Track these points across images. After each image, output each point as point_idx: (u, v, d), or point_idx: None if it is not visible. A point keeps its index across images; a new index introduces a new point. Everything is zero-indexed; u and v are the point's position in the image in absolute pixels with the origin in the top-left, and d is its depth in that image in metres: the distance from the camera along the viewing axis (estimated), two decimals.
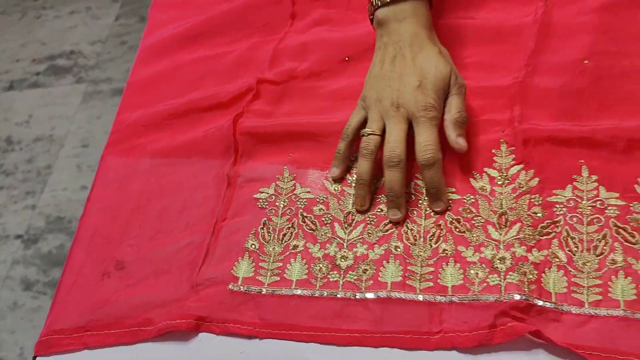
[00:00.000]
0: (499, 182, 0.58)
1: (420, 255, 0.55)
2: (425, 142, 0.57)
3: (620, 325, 0.48)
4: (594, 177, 0.56)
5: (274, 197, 0.62)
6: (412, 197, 0.59)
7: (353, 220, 0.59)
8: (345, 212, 0.60)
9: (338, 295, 0.55)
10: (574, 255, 0.53)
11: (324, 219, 0.60)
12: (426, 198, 0.58)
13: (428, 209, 0.58)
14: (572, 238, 0.53)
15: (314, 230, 0.59)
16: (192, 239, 0.61)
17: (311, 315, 0.54)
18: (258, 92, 0.71)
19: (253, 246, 0.59)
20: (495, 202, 0.57)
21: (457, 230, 0.56)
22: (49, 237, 1.64)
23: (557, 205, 0.55)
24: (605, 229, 0.53)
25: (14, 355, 1.45)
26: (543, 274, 0.52)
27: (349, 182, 0.61)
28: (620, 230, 0.53)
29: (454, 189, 0.59)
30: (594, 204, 0.55)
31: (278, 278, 0.57)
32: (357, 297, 0.54)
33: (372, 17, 0.66)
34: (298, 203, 0.61)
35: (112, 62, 2.01)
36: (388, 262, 0.56)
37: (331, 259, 0.57)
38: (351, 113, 0.64)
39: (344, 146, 0.61)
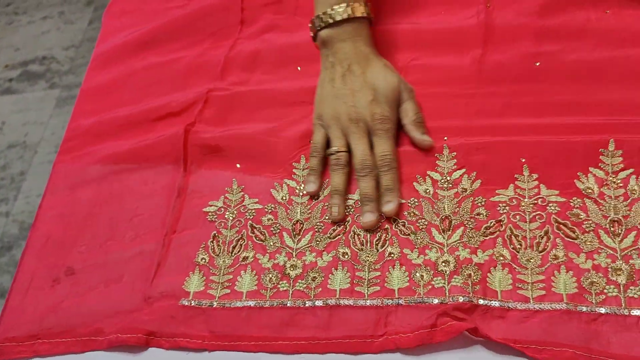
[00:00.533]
0: (442, 186, 0.57)
1: (368, 260, 0.55)
2: (383, 152, 0.59)
3: (563, 318, 0.48)
4: (535, 176, 0.56)
5: (223, 209, 0.62)
6: (358, 202, 0.58)
7: (301, 228, 0.58)
8: (293, 221, 0.59)
9: (287, 304, 0.54)
10: (518, 252, 0.52)
11: (272, 229, 0.59)
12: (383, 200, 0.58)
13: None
14: (516, 236, 0.53)
15: (263, 241, 0.58)
16: (142, 248, 0.61)
17: (261, 326, 0.53)
18: (209, 100, 0.71)
19: (203, 260, 0.58)
20: (439, 205, 0.56)
21: (402, 233, 0.56)
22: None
23: (500, 205, 0.55)
24: (547, 226, 0.53)
25: None
26: (489, 274, 0.52)
27: (297, 191, 0.61)
28: (561, 226, 0.53)
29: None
30: (536, 202, 0.54)
31: (229, 291, 0.56)
32: (306, 305, 0.53)
33: (314, 35, 0.66)
34: (247, 214, 0.61)
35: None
36: (336, 269, 0.55)
37: (281, 269, 0.56)
38: (300, 120, 0.65)
39: (317, 162, 0.61)
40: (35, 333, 0.58)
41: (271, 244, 0.58)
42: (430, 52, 0.67)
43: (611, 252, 0.51)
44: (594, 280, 0.50)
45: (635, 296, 0.48)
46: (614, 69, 0.60)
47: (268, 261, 0.57)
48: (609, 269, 0.50)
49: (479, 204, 0.55)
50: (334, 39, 0.64)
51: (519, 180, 0.56)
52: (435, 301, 0.51)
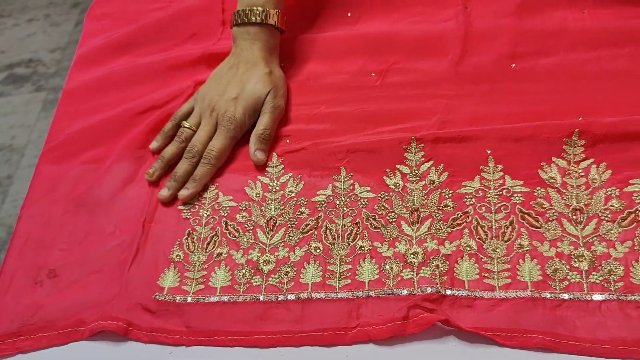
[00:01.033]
0: (411, 179, 0.58)
1: (339, 254, 0.55)
2: (212, 147, 0.63)
3: (528, 305, 0.49)
4: (500, 167, 0.56)
5: (197, 206, 0.61)
6: (331, 198, 0.58)
7: (275, 224, 0.58)
8: (267, 217, 0.59)
9: (260, 299, 0.54)
10: (484, 242, 0.53)
11: (246, 226, 0.59)
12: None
13: (346, 208, 0.58)
14: (482, 226, 0.54)
15: (237, 237, 0.58)
16: (122, 239, 0.60)
17: (235, 320, 0.53)
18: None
19: (178, 257, 0.58)
20: (408, 198, 0.57)
21: (373, 226, 0.56)
22: None
23: (467, 196, 0.55)
24: (512, 216, 0.54)
25: None
26: (456, 264, 0.52)
27: (270, 187, 0.61)
28: (525, 215, 0.53)
29: (369, 188, 0.58)
30: (501, 193, 0.55)
31: (203, 286, 0.56)
32: (279, 299, 0.53)
33: (231, 27, 0.69)
34: (221, 211, 0.60)
35: None
36: (308, 263, 0.55)
37: (254, 264, 0.56)
38: (285, 117, 0.66)
39: (171, 127, 0.67)
40: (16, 330, 0.56)
41: (245, 240, 0.58)
42: (410, 56, 0.68)
43: (574, 239, 0.51)
44: (558, 267, 0.50)
45: (597, 281, 0.49)
46: (587, 69, 0.61)
47: (242, 257, 0.57)
48: (572, 256, 0.50)
49: (446, 196, 0.56)
50: (238, 36, 0.68)
51: (485, 172, 0.56)
52: (405, 292, 0.51)
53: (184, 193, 0.62)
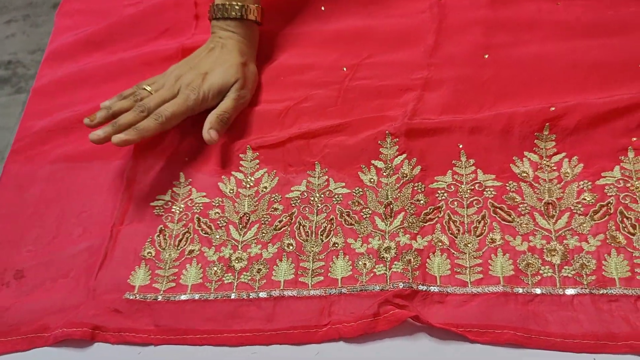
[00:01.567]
0: (385, 173, 0.56)
1: (312, 250, 0.53)
2: (167, 106, 0.60)
3: (500, 300, 0.47)
4: (472, 161, 0.55)
5: (170, 203, 0.59)
6: (305, 194, 0.57)
7: (248, 221, 0.56)
8: (240, 214, 0.57)
9: (232, 297, 0.52)
10: (456, 237, 0.51)
11: (219, 222, 0.57)
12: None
13: (320, 204, 0.56)
14: (454, 221, 0.52)
15: (209, 234, 0.56)
16: (90, 242, 0.58)
17: (205, 319, 0.51)
18: None
19: (149, 254, 0.56)
20: (382, 193, 0.55)
21: (347, 223, 0.54)
22: None
23: (439, 191, 0.54)
24: (484, 210, 0.52)
25: None
26: (428, 259, 0.50)
27: (244, 183, 0.59)
28: (497, 210, 0.52)
29: (343, 184, 0.57)
30: (473, 187, 0.53)
31: (174, 284, 0.54)
32: (250, 297, 0.52)
33: (209, 19, 0.68)
34: (194, 208, 0.58)
35: None
36: (281, 260, 0.53)
37: (226, 262, 0.54)
38: (245, 111, 0.64)
39: (130, 92, 0.63)
40: None
41: (217, 237, 0.56)
42: (383, 49, 0.66)
43: (546, 233, 0.50)
44: (530, 261, 0.49)
45: (569, 275, 0.47)
46: (560, 60, 0.59)
47: (214, 254, 0.55)
48: (544, 250, 0.49)
49: (419, 190, 0.54)
50: (218, 29, 0.67)
51: (457, 166, 0.55)
52: (377, 288, 0.49)
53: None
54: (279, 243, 0.54)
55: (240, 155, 0.61)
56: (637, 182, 0.50)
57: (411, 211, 0.53)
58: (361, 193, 0.56)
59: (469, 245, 0.51)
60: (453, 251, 0.51)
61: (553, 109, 0.55)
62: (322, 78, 0.65)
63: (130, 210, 0.60)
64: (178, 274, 0.54)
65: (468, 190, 0.53)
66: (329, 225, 0.54)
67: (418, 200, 0.54)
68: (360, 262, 0.52)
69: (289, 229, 0.55)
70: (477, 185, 0.53)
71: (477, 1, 0.66)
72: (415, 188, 0.54)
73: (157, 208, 0.59)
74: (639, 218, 0.49)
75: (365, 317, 0.48)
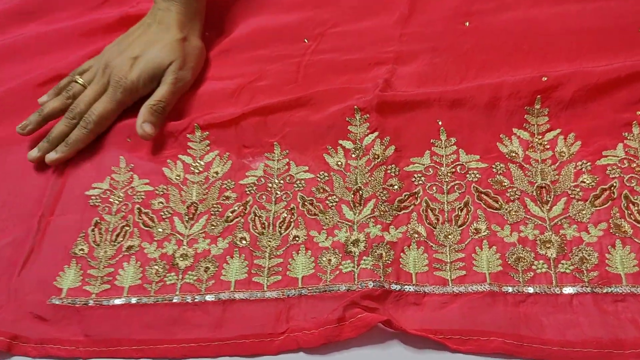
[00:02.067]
0: (354, 155, 0.48)
1: (269, 245, 0.45)
2: (92, 110, 0.54)
3: (486, 301, 0.40)
4: (453, 140, 0.47)
5: (108, 192, 0.51)
6: (262, 180, 0.49)
7: (195, 212, 0.48)
8: (187, 203, 0.49)
9: (174, 300, 0.44)
10: (435, 228, 0.44)
11: (162, 214, 0.49)
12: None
13: (280, 191, 0.48)
14: (432, 209, 0.44)
15: (151, 227, 0.48)
16: (14, 235, 0.50)
17: (143, 326, 0.43)
18: None
19: (82, 251, 0.48)
20: (350, 177, 0.47)
21: (310, 213, 0.46)
22: None
23: (416, 175, 0.46)
24: (467, 196, 0.45)
25: None
26: (402, 254, 0.43)
27: (192, 168, 0.51)
28: (482, 195, 0.44)
29: (306, 167, 0.49)
30: (454, 169, 0.46)
31: (108, 286, 0.46)
32: (195, 300, 0.44)
33: None
34: (135, 197, 0.50)
35: None
36: (232, 257, 0.45)
37: (169, 259, 0.46)
38: (204, 93, 0.56)
39: (66, 82, 0.57)
40: None
41: (160, 230, 0.48)
42: (350, 17, 0.58)
43: (539, 222, 0.42)
44: (521, 255, 0.41)
45: (568, 271, 0.40)
46: (551, 25, 0.52)
47: (155, 250, 0.47)
48: (537, 242, 0.42)
49: (392, 174, 0.46)
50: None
51: (436, 146, 0.47)
52: (343, 289, 0.42)
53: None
54: (231, 237, 0.46)
55: (188, 135, 0.52)
56: None
57: (383, 198, 0.45)
58: (327, 178, 0.48)
59: (449, 236, 0.43)
60: (431, 244, 0.43)
61: (545, 79, 0.47)
62: (280, 51, 0.57)
63: (62, 199, 0.51)
64: (114, 274, 0.46)
65: (449, 174, 0.46)
66: (289, 216, 0.46)
67: (391, 185, 0.46)
68: (324, 258, 0.44)
69: (242, 220, 0.47)
70: (459, 167, 0.46)
71: None
72: (389, 171, 0.46)
73: (92, 198, 0.51)
74: None
75: (329, 323, 0.40)
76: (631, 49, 0.49)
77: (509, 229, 0.43)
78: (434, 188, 0.45)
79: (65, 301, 0.45)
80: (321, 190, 0.47)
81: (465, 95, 0.48)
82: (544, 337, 0.38)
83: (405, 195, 0.45)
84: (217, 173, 0.50)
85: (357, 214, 0.45)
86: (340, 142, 0.49)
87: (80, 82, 0.56)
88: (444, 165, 0.46)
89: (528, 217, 0.43)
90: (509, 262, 0.41)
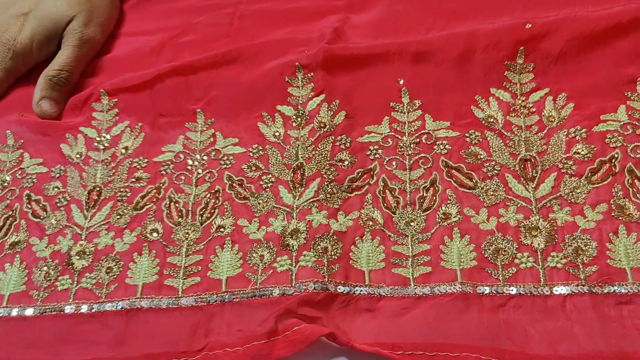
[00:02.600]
0: (295, 124, 0.39)
1: (187, 238, 0.36)
2: None
3: (457, 306, 0.32)
4: (417, 103, 0.39)
5: None
6: (181, 157, 0.40)
7: (98, 198, 0.39)
8: (88, 187, 0.40)
9: (66, 311, 0.35)
10: (394, 214, 0.35)
11: (57, 201, 0.40)
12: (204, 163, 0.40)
13: (202, 170, 0.39)
14: (391, 190, 0.36)
15: (42, 219, 0.39)
16: None
17: (26, 345, 0.35)
18: None
19: None
20: (290, 151, 0.38)
21: (239, 196, 0.37)
22: None
23: (371, 148, 0.38)
24: (434, 173, 0.36)
25: None
26: (353, 247, 0.35)
27: (96, 144, 0.41)
28: (453, 171, 0.36)
29: (236, 140, 0.40)
30: (419, 140, 0.37)
31: None
32: (93, 310, 0.35)
33: None
34: (24, 181, 0.41)
35: None
36: (140, 254, 0.36)
37: (62, 258, 0.37)
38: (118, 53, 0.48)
39: None
40: None
41: (53, 222, 0.39)
42: None
43: (523, 204, 0.35)
44: (501, 246, 0.34)
45: (559, 266, 0.33)
46: None
47: (46, 248, 0.38)
48: (521, 229, 0.34)
49: (343, 146, 0.38)
50: None
51: (396, 111, 0.39)
52: (276, 293, 0.33)
53: None
54: (140, 229, 0.37)
55: (93, 104, 0.43)
56: None
57: (330, 177, 0.36)
58: (261, 153, 0.39)
59: (412, 224, 0.35)
60: (389, 233, 0.35)
61: (529, 26, 0.39)
62: (208, 1, 0.48)
63: None
64: None
65: (412, 145, 0.37)
66: (213, 201, 0.38)
67: (341, 160, 0.37)
68: (255, 255, 0.35)
69: (154, 207, 0.38)
70: (425, 137, 0.37)
71: None
72: (338, 143, 0.38)
73: None
74: None
75: (257, 338, 0.32)
76: None
77: (485, 213, 0.35)
78: (394, 163, 0.37)
79: None
80: (253, 168, 0.38)
81: (432, 47, 0.40)
82: (530, 351, 0.31)
83: (357, 173, 0.37)
84: (126, 149, 0.41)
85: (297, 198, 0.36)
86: (278, 107, 0.41)
87: None
88: (406, 134, 0.38)
89: (509, 197, 0.35)
90: (486, 256, 0.34)
